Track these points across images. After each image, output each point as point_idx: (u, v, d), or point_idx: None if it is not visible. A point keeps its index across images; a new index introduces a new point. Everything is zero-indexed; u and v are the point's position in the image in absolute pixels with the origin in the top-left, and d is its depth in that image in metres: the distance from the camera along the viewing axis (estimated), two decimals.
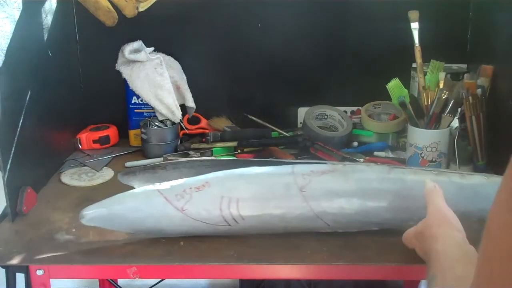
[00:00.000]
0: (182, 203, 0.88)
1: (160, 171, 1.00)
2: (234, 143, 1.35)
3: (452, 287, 0.64)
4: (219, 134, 1.39)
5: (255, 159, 1.16)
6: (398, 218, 0.91)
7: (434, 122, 1.19)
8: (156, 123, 1.37)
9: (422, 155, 1.19)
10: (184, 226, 0.89)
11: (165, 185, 0.90)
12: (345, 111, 1.45)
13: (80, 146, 1.39)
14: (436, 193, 0.84)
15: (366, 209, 0.90)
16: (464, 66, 1.40)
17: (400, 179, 0.90)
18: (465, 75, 1.31)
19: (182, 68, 1.44)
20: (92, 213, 0.88)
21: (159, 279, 1.63)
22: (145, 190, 0.90)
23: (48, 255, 0.90)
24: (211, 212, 0.88)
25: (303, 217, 0.89)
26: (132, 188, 0.95)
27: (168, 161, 1.01)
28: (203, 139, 1.40)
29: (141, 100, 1.39)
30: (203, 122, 1.47)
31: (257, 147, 1.35)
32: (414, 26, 1.23)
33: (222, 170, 0.93)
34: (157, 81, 1.34)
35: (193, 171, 0.98)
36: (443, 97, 1.17)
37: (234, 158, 1.29)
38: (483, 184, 0.91)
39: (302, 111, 1.46)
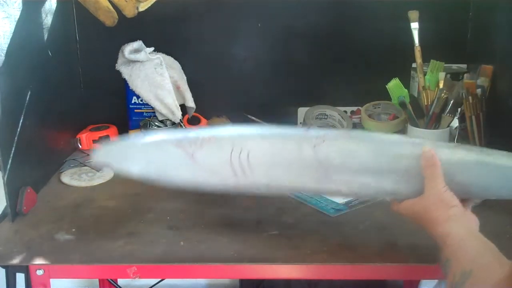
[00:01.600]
0: (193, 149, 0.87)
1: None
2: None
3: (469, 268, 0.64)
4: None
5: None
6: (413, 187, 0.84)
7: (434, 122, 1.19)
8: (156, 123, 1.37)
9: None
10: (193, 174, 0.88)
11: (178, 132, 0.91)
12: (345, 111, 1.45)
13: (80, 146, 1.39)
14: (434, 169, 0.81)
15: (381, 173, 0.85)
16: (464, 66, 1.40)
17: (420, 144, 0.85)
18: (465, 75, 1.31)
19: (182, 68, 1.44)
20: (103, 152, 0.90)
21: (159, 279, 1.63)
22: (157, 136, 0.92)
23: (48, 255, 0.90)
24: (221, 160, 0.87)
25: (315, 177, 0.86)
26: None
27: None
28: None
29: (141, 100, 1.39)
30: (203, 122, 1.47)
31: None
32: (414, 26, 1.24)
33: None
34: (157, 81, 1.34)
35: None
36: (443, 97, 1.17)
37: None
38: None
39: (302, 111, 1.46)
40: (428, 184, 0.81)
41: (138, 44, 1.39)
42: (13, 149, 1.01)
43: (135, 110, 1.42)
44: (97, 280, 1.65)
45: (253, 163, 0.87)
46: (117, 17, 1.31)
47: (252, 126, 0.93)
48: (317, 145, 0.86)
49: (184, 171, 0.88)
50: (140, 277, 0.90)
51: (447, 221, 0.76)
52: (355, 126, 1.41)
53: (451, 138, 1.20)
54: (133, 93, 1.39)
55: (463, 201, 0.81)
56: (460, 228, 0.74)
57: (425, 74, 1.23)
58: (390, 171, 0.85)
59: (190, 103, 1.42)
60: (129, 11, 1.31)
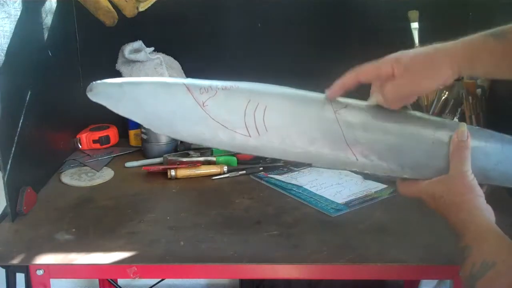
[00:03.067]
0: (205, 97, 0.80)
1: None
2: None
3: (492, 260, 0.63)
4: None
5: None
6: (435, 165, 0.80)
7: None
8: None
9: None
10: (200, 125, 0.80)
11: (190, 79, 0.83)
12: None
13: (80, 146, 1.39)
14: (465, 152, 0.77)
15: (401, 149, 0.81)
16: None
17: (444, 125, 0.81)
18: None
19: (182, 68, 1.44)
20: (103, 87, 0.82)
21: (159, 279, 1.63)
22: (167, 79, 0.84)
23: (48, 255, 0.90)
24: (233, 112, 0.80)
25: (332, 142, 0.82)
26: None
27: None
28: None
29: None
30: None
31: None
32: (414, 26, 1.24)
33: None
34: None
35: None
36: (443, 97, 1.17)
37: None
38: None
39: None
40: (456, 166, 0.77)
41: (138, 44, 1.39)
42: (13, 149, 1.01)
43: None
44: (97, 280, 1.65)
45: (268, 120, 0.81)
46: (117, 17, 1.31)
47: (272, 85, 0.86)
48: (339, 109, 0.83)
49: (191, 120, 0.80)
50: (140, 277, 0.90)
51: (472, 209, 0.73)
52: None
53: None
54: None
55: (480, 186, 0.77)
56: (484, 218, 0.72)
57: None
58: (411, 148, 0.81)
59: None
60: (129, 11, 1.31)
